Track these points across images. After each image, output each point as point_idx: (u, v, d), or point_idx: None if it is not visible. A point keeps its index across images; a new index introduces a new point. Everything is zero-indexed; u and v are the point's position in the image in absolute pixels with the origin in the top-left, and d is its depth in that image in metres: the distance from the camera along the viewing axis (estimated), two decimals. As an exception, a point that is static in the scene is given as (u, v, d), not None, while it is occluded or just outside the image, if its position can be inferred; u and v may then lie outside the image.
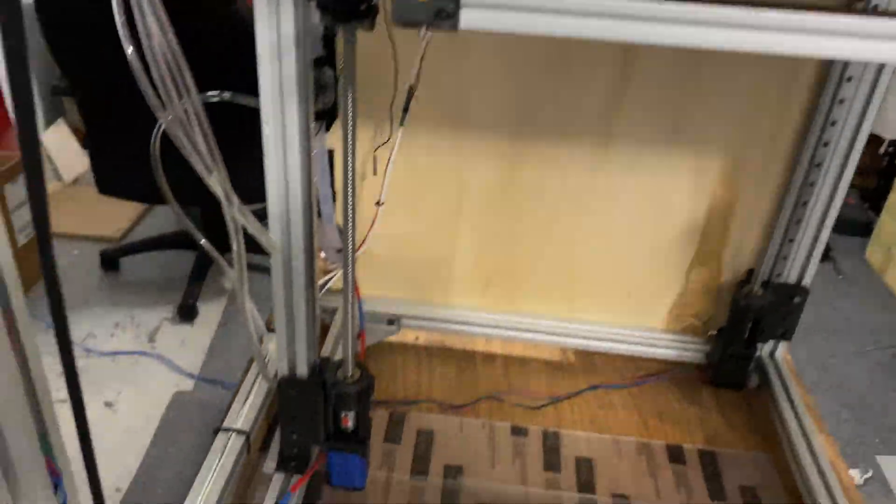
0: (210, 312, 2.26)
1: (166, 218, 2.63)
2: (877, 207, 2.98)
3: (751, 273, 1.09)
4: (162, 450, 1.84)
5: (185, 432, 1.86)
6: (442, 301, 1.19)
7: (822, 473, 0.94)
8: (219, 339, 2.17)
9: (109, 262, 2.33)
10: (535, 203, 1.10)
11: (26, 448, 0.46)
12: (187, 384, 2.01)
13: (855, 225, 2.95)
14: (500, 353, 1.20)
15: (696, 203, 1.07)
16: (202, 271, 2.25)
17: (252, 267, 0.72)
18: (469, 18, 0.54)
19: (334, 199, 1.08)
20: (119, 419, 1.90)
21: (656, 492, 0.97)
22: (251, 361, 1.07)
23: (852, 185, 3.58)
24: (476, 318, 1.18)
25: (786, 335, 1.10)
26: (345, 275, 0.79)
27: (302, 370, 0.84)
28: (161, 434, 1.88)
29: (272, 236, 0.75)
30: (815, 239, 1.02)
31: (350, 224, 0.75)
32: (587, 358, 1.20)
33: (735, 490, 0.98)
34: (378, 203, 0.99)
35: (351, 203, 0.75)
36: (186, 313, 2.19)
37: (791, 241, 1.03)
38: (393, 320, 1.17)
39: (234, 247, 0.64)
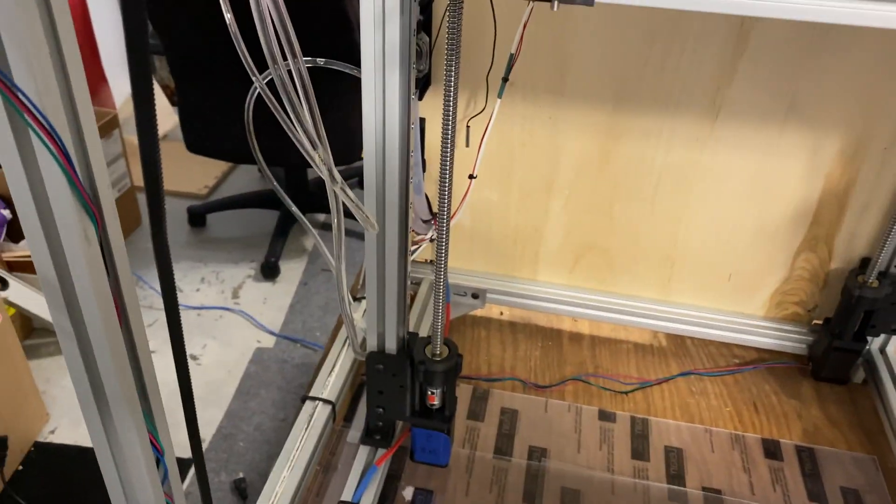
0: (291, 271, 2.30)
1: (250, 176, 2.68)
2: None
3: (866, 261, 1.01)
4: (243, 404, 1.90)
5: (265, 387, 1.92)
6: (529, 276, 1.16)
7: (936, 482, 0.87)
8: (299, 298, 2.21)
9: (196, 218, 2.39)
10: (632, 178, 1.04)
11: (132, 426, 0.46)
12: (268, 341, 2.06)
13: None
14: (587, 333, 1.17)
15: (809, 184, 0.99)
16: (285, 230, 2.29)
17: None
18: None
19: (424, 169, 1.06)
20: (203, 372, 1.97)
21: (750, 487, 0.93)
22: (336, 329, 1.07)
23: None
24: (564, 296, 1.15)
25: (901, 330, 1.02)
26: (437, 250, 0.76)
27: (391, 345, 0.83)
28: (243, 388, 1.94)
29: (368, 210, 0.73)
30: (945, 228, 0.94)
31: (446, 197, 0.73)
32: (680, 342, 1.15)
33: (836, 491, 0.93)
34: (471, 176, 0.96)
35: (448, 175, 0.72)
36: (269, 271, 2.24)
37: (916, 229, 0.94)
38: (478, 294, 1.15)
39: (335, 223, 0.62)
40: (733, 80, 0.94)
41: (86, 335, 0.42)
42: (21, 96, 0.35)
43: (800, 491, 0.93)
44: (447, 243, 0.75)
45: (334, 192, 0.58)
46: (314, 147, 0.52)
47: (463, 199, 0.97)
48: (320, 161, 0.52)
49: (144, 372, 0.46)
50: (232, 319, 2.13)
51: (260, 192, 2.42)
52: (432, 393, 0.86)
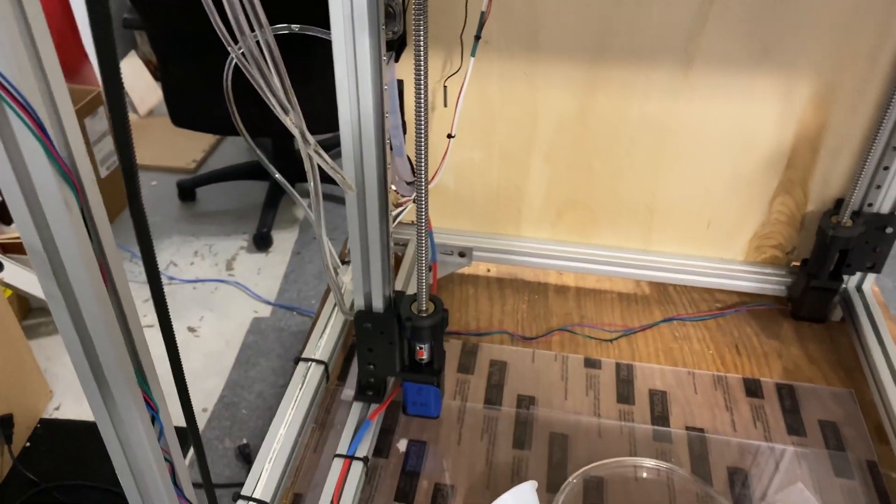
0: (284, 241, 2.32)
1: (238, 149, 2.69)
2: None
3: (839, 203, 1.03)
4: (243, 373, 1.93)
5: (264, 356, 1.95)
6: (513, 233, 1.18)
7: (909, 410, 0.91)
8: (293, 268, 2.24)
9: (186, 192, 2.40)
10: (611, 131, 1.06)
11: (124, 384, 0.49)
12: (265, 310, 2.09)
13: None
14: (572, 285, 1.19)
15: (783, 129, 1.01)
16: (275, 201, 2.30)
17: (323, 197, 0.73)
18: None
19: (404, 132, 1.07)
20: (202, 343, 2.00)
21: (732, 425, 0.96)
22: (327, 293, 1.09)
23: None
24: (548, 250, 1.17)
25: (875, 267, 1.05)
26: (418, 208, 0.78)
27: (377, 304, 0.85)
28: (242, 358, 1.98)
29: (346, 173, 0.75)
30: (915, 166, 0.96)
31: (423, 157, 0.75)
32: (662, 290, 1.18)
33: (814, 424, 0.96)
34: (450, 135, 0.97)
35: (423, 136, 0.74)
36: (261, 242, 2.26)
37: (886, 168, 0.96)
38: (464, 252, 1.17)
39: (311, 186, 0.64)
40: (705, 29, 0.95)
41: (74, 299, 0.44)
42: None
43: (780, 426, 0.96)
44: (426, 201, 0.77)
45: (309, 155, 0.60)
46: (286, 112, 0.54)
47: (443, 158, 0.99)
48: (292, 124, 0.53)
49: (133, 333, 0.48)
50: (227, 291, 2.16)
51: (248, 163, 2.43)
52: (420, 348, 0.88)
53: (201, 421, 1.81)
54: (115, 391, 0.49)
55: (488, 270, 1.21)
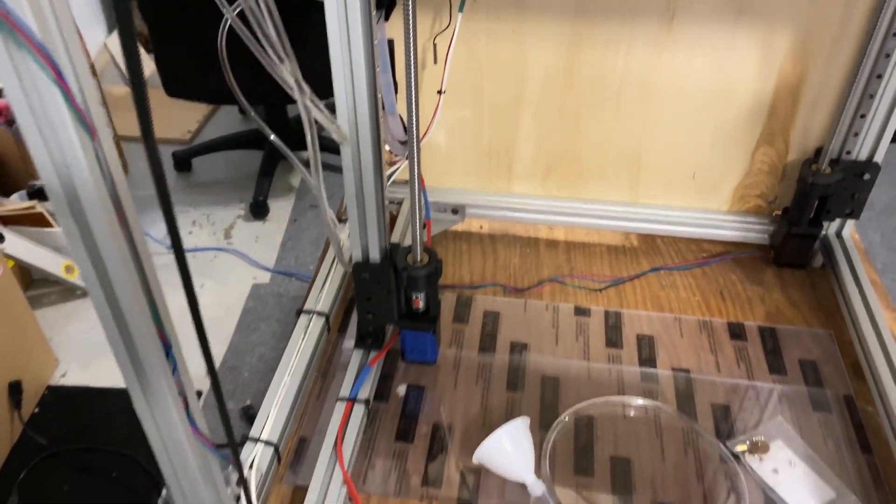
0: (280, 209, 2.35)
1: (232, 119, 2.70)
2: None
3: (819, 151, 1.06)
4: (245, 337, 1.98)
5: (265, 321, 1.99)
6: (505, 189, 1.22)
7: (884, 347, 0.95)
8: (290, 234, 2.27)
9: (182, 163, 2.42)
10: (597, 87, 1.09)
11: (140, 318, 0.52)
12: (264, 277, 2.13)
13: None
14: (562, 239, 1.23)
15: (764, 80, 1.04)
16: (270, 169, 2.33)
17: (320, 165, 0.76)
18: None
19: (396, 90, 1.10)
20: (203, 311, 2.03)
21: (716, 366, 1.01)
22: (326, 249, 1.13)
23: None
24: (538, 206, 1.20)
25: (853, 213, 1.08)
26: (410, 160, 0.82)
27: (374, 255, 0.89)
28: (243, 323, 2.02)
29: (341, 126, 0.78)
30: (890, 113, 0.99)
31: (413, 113, 0.78)
32: (650, 241, 1.21)
33: (795, 364, 1.01)
34: (440, 91, 1.00)
35: (414, 92, 0.76)
36: (258, 210, 2.28)
37: (863, 116, 1.00)
38: (457, 209, 1.20)
39: (308, 133, 0.67)
40: (686, -18, 0.97)
41: (90, 234, 0.47)
42: (24, 29, 0.40)
43: (762, 366, 1.01)
44: (418, 148, 0.80)
45: (305, 105, 0.63)
46: (281, 61, 0.57)
47: (434, 114, 1.02)
48: (286, 72, 0.56)
49: (146, 268, 0.52)
50: (226, 259, 2.19)
51: (243, 132, 2.44)
52: (416, 297, 0.92)
53: (205, 385, 1.86)
54: (130, 324, 0.52)
55: (481, 227, 1.25)
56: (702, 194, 1.17)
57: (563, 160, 1.17)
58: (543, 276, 1.15)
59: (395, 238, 1.12)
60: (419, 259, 0.89)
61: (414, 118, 0.77)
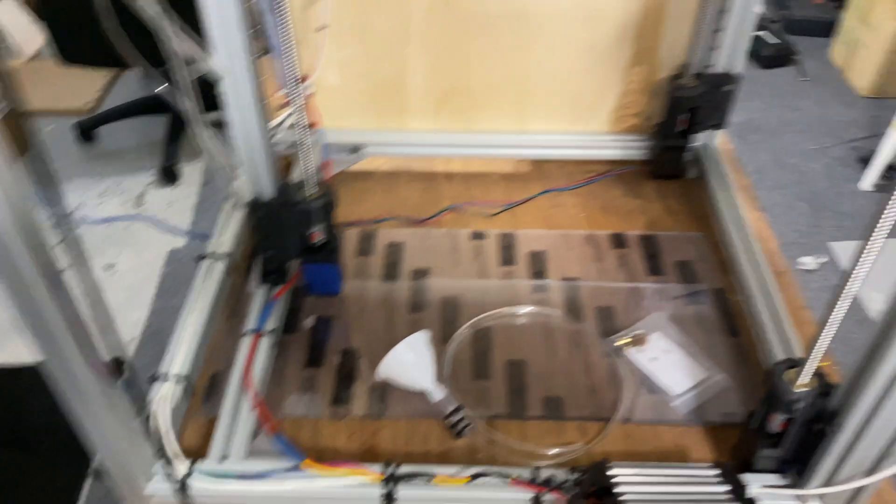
0: (192, 173, 2.33)
1: (134, 86, 2.63)
2: (843, 6, 2.95)
3: (685, 67, 1.14)
4: (166, 301, 1.98)
5: (185, 284, 1.99)
6: (400, 125, 1.26)
7: (747, 244, 1.05)
8: (203, 198, 2.26)
9: (86, 133, 2.37)
10: (478, 19, 1.13)
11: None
12: (180, 241, 2.13)
13: (821, 25, 2.94)
14: (459, 171, 1.28)
15: (628, 3, 1.10)
16: (177, 133, 2.30)
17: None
18: None
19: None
20: (121, 279, 2.03)
21: (601, 272, 1.09)
22: (227, 197, 1.15)
23: (819, -16, 3.45)
24: (434, 140, 1.25)
25: (720, 125, 1.17)
26: (292, 97, 0.85)
27: (267, 193, 0.92)
28: (163, 288, 2.02)
29: (217, 61, 0.80)
30: (742, 26, 1.07)
31: (288, 47, 0.81)
32: (540, 166, 1.28)
33: (671, 265, 1.10)
34: (319, 28, 1.02)
35: (283, 25, 0.79)
36: (169, 176, 2.26)
37: (718, 31, 1.08)
38: (356, 148, 1.24)
39: (176, 67, 0.70)
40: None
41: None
42: None
43: (642, 269, 1.10)
44: (297, 79, 0.83)
45: (170, 36, 0.65)
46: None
47: (320, 51, 1.04)
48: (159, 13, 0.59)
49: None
50: (140, 227, 2.17)
51: (146, 98, 2.40)
52: (314, 231, 0.96)
53: (129, 351, 1.86)
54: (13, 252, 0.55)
55: (381, 165, 1.29)
56: (583, 117, 1.24)
57: (453, 93, 1.22)
58: (443, 205, 1.21)
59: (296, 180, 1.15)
60: (312, 193, 0.93)
61: (290, 57, 0.80)
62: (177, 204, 2.26)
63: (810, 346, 0.71)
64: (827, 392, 0.73)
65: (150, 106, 2.37)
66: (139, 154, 2.40)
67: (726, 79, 1.12)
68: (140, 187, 2.30)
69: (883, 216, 0.58)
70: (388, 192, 1.24)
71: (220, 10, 0.77)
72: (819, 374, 0.73)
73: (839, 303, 0.67)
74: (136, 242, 2.14)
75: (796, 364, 0.74)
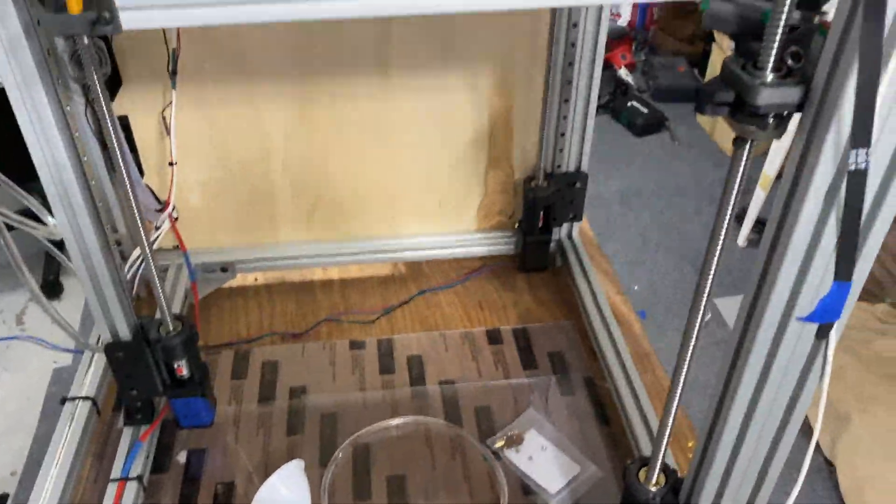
0: (75, 285, 2.24)
1: (7, 197, 2.54)
2: (705, 73, 3.20)
3: (536, 169, 1.21)
4: (51, 426, 1.87)
5: (71, 405, 1.90)
6: (272, 239, 1.27)
7: (608, 329, 1.10)
8: (89, 310, 2.18)
9: (-43, 253, 2.25)
10: (338, 134, 1.17)
11: None
12: (65, 358, 2.03)
13: (686, 92, 3.17)
14: (336, 278, 1.30)
15: (479, 114, 1.17)
16: (58, 244, 2.22)
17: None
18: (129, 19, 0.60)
19: (139, 164, 1.12)
20: (2, 405, 1.92)
21: (478, 372, 1.12)
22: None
23: (681, 54, 3.79)
24: (307, 251, 1.26)
25: (576, 217, 1.24)
26: (135, 231, 0.84)
27: (124, 332, 0.91)
28: (47, 410, 1.91)
29: (57, 217, 0.80)
30: (584, 129, 1.15)
31: (132, 187, 0.81)
32: (416, 267, 1.31)
33: (544, 357, 1.14)
34: (171, 163, 1.03)
35: (125, 168, 0.80)
36: (51, 289, 2.18)
37: (562, 134, 1.15)
38: (226, 267, 1.24)
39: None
40: (391, 39, 1.08)
41: None
42: None
43: (516, 364, 1.13)
44: (142, 221, 0.83)
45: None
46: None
47: (171, 185, 1.05)
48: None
49: None
50: (21, 346, 2.07)
51: (20, 211, 2.31)
52: (178, 365, 0.95)
53: (11, 486, 1.75)
54: None
55: (255, 279, 1.29)
56: (451, 218, 1.28)
57: (321, 204, 1.24)
58: (320, 316, 1.21)
59: (166, 304, 1.14)
60: (172, 328, 0.92)
61: (135, 194, 0.81)
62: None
63: (656, 443, 0.75)
64: (676, 488, 0.77)
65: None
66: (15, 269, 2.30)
67: (576, 176, 1.19)
68: (20, 304, 2.20)
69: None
70: (263, 306, 1.24)
71: (57, 176, 0.77)
72: (666, 471, 0.77)
73: (670, 407, 0.71)
74: (16, 363, 2.04)
75: (646, 462, 0.78)
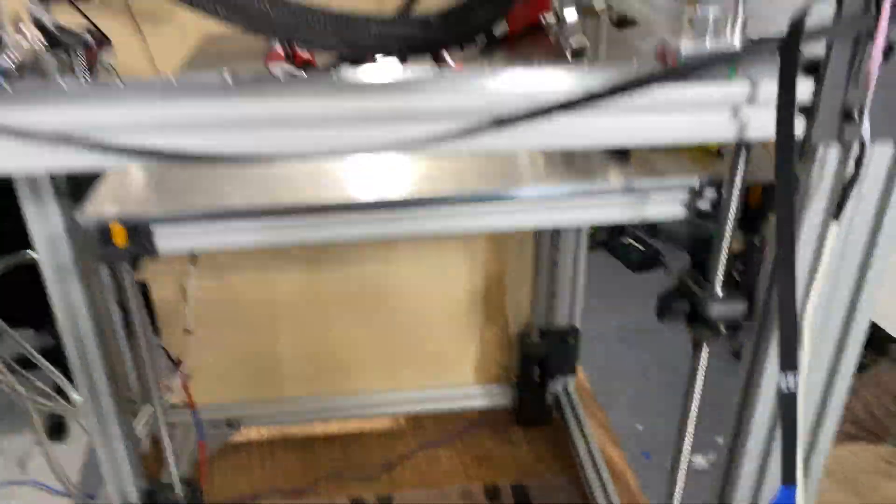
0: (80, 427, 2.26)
1: (9, 340, 2.59)
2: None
3: (529, 325, 1.27)
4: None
5: (70, 555, 1.87)
6: (276, 395, 1.31)
7: (603, 486, 1.12)
8: (95, 453, 2.18)
9: (-32, 396, 2.28)
10: (342, 296, 1.24)
11: None
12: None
13: (677, 234, 3.28)
14: (337, 432, 1.33)
15: (473, 276, 1.25)
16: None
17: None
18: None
19: (156, 330, 1.19)
20: (-1, 556, 1.88)
21: (477, 532, 1.13)
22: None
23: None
24: (310, 406, 1.31)
25: (571, 371, 1.29)
26: (153, 400, 0.89)
27: (132, 498, 0.94)
28: (46, 561, 1.88)
29: (77, 392, 0.85)
30: (573, 288, 1.22)
31: (148, 349, 0.87)
32: (416, 421, 1.35)
33: (543, 516, 1.15)
34: (186, 330, 1.11)
35: (142, 330, 0.86)
36: (55, 432, 2.18)
37: (553, 295, 1.22)
38: (232, 423, 1.28)
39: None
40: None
41: None
42: None
43: (515, 523, 1.14)
44: (161, 398, 0.89)
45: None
46: None
47: (180, 364, 1.12)
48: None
49: None
50: (24, 492, 2.05)
51: (20, 356, 2.35)
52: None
53: None
54: None
55: (259, 434, 1.32)
56: (450, 373, 1.33)
57: (325, 360, 1.30)
58: (320, 472, 1.24)
59: (179, 457, 1.17)
60: (181, 496, 0.95)
61: (150, 353, 0.87)
62: (66, 462, 2.16)
63: None
64: None
65: (26, 361, 2.33)
66: (20, 408, 2.32)
67: (568, 332, 1.25)
68: (24, 447, 2.20)
69: None
70: (265, 462, 1.27)
71: (83, 348, 0.83)
72: None
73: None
74: (19, 510, 2.02)
75: None
